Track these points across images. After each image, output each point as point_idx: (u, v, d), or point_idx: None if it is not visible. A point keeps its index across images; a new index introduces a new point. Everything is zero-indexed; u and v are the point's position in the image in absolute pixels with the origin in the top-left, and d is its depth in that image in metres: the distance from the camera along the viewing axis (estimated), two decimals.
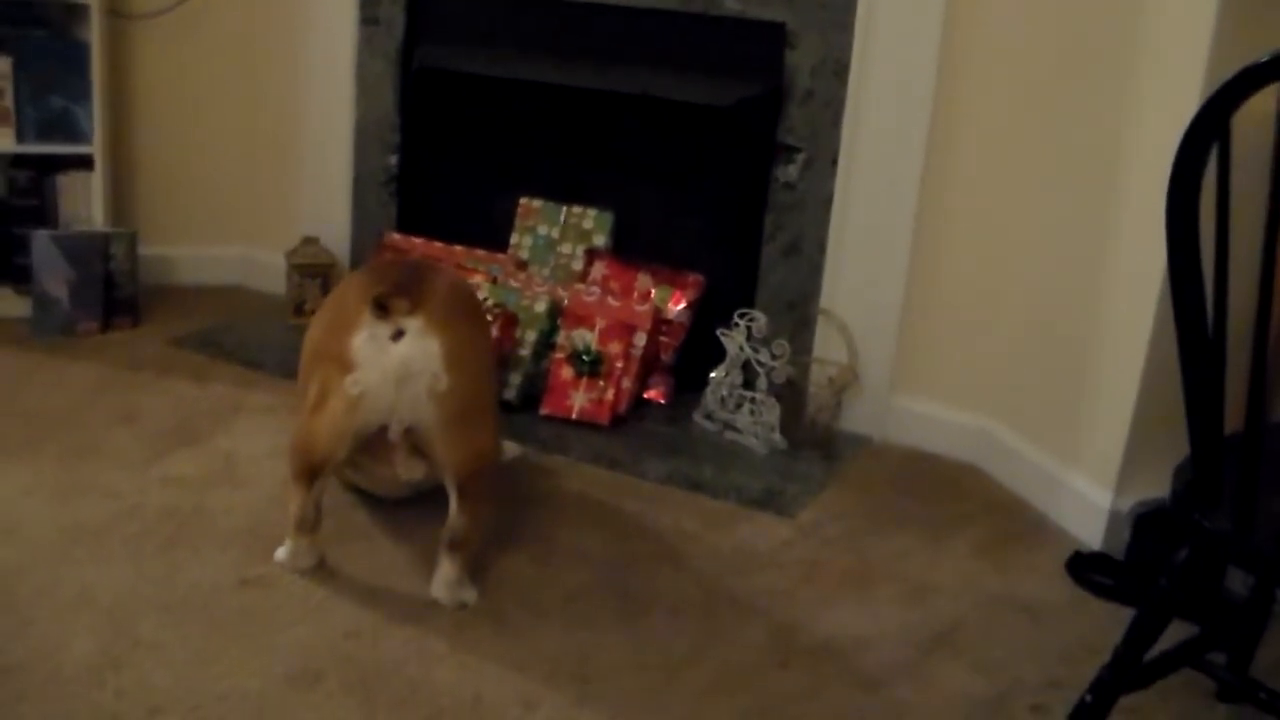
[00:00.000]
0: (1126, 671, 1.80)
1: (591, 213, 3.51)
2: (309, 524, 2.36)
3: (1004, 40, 2.91)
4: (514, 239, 3.58)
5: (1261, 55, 1.42)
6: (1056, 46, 2.83)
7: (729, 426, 3.18)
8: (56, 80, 3.53)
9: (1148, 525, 2.58)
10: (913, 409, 3.21)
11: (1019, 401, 3.02)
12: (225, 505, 2.62)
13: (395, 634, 2.21)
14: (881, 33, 3.01)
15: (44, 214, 3.60)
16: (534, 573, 2.47)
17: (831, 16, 3.05)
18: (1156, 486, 2.63)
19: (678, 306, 3.33)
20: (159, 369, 3.33)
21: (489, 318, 3.14)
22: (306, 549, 2.39)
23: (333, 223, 3.87)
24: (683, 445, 3.10)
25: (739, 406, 3.17)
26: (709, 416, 3.22)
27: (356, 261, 3.83)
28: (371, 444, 2.30)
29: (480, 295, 3.27)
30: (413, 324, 2.22)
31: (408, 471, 2.35)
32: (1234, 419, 1.67)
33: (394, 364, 2.21)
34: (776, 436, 3.11)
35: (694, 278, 3.36)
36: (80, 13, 3.52)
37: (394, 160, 3.78)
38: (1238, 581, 2.46)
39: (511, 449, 2.95)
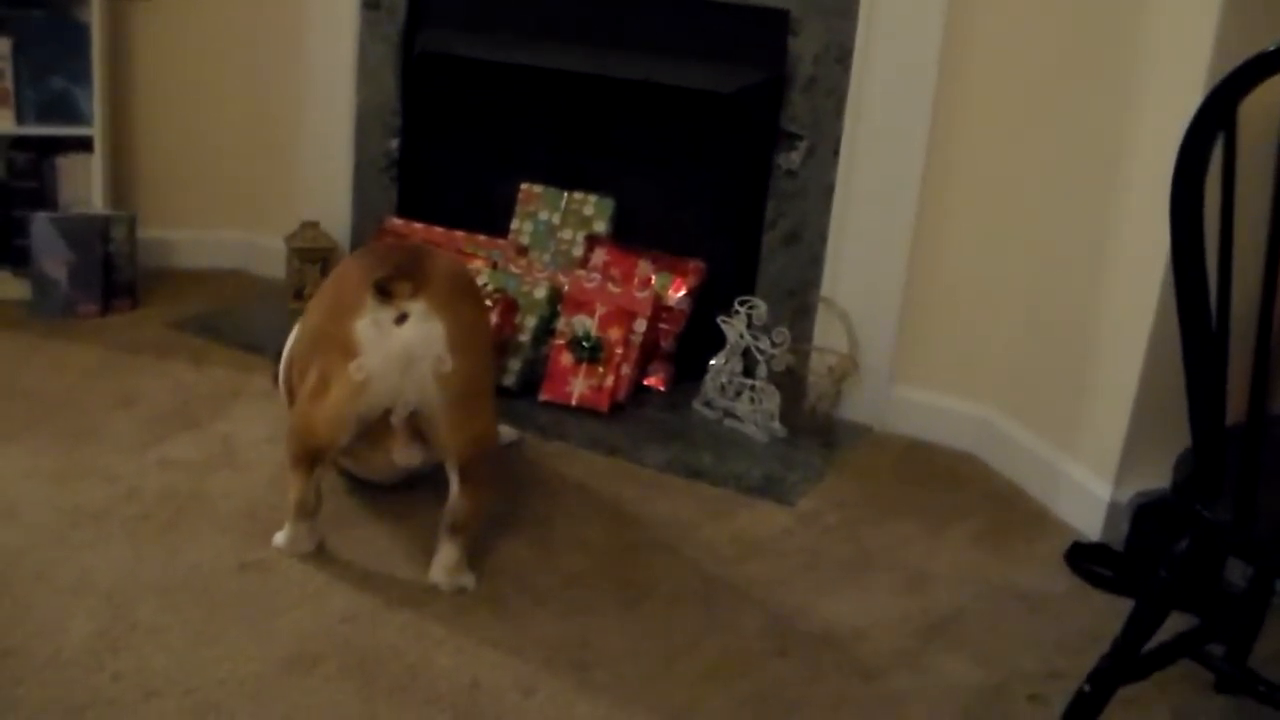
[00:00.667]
0: (1125, 662, 1.80)
1: (592, 199, 3.50)
2: (309, 510, 2.36)
3: (1007, 30, 2.91)
4: (515, 224, 3.58)
5: (1269, 44, 1.42)
6: (1060, 35, 2.83)
7: (729, 414, 3.18)
8: (56, 62, 3.52)
9: (1147, 516, 2.58)
10: (913, 398, 3.21)
11: (1019, 391, 3.01)
12: (224, 489, 2.62)
13: (393, 619, 2.21)
14: (885, 21, 3.00)
15: (43, 196, 3.59)
16: (532, 558, 2.47)
17: (835, 4, 3.04)
18: (1156, 478, 2.63)
19: (678, 293, 3.32)
20: (158, 352, 3.32)
21: (489, 302, 3.15)
22: (306, 534, 2.38)
23: (333, 207, 3.86)
24: (682, 432, 3.10)
25: (739, 394, 3.17)
26: (708, 404, 3.22)
27: (357, 246, 3.82)
28: (368, 429, 2.30)
29: (481, 280, 3.27)
30: (416, 307, 2.21)
31: (406, 457, 2.35)
32: (1235, 410, 1.67)
33: (398, 348, 2.20)
34: (776, 424, 3.11)
35: (695, 265, 3.35)
36: None
37: (395, 145, 3.77)
38: (1236, 573, 2.47)
39: (508, 433, 2.95)
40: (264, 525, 2.46)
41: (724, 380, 3.19)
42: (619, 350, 3.17)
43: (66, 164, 3.60)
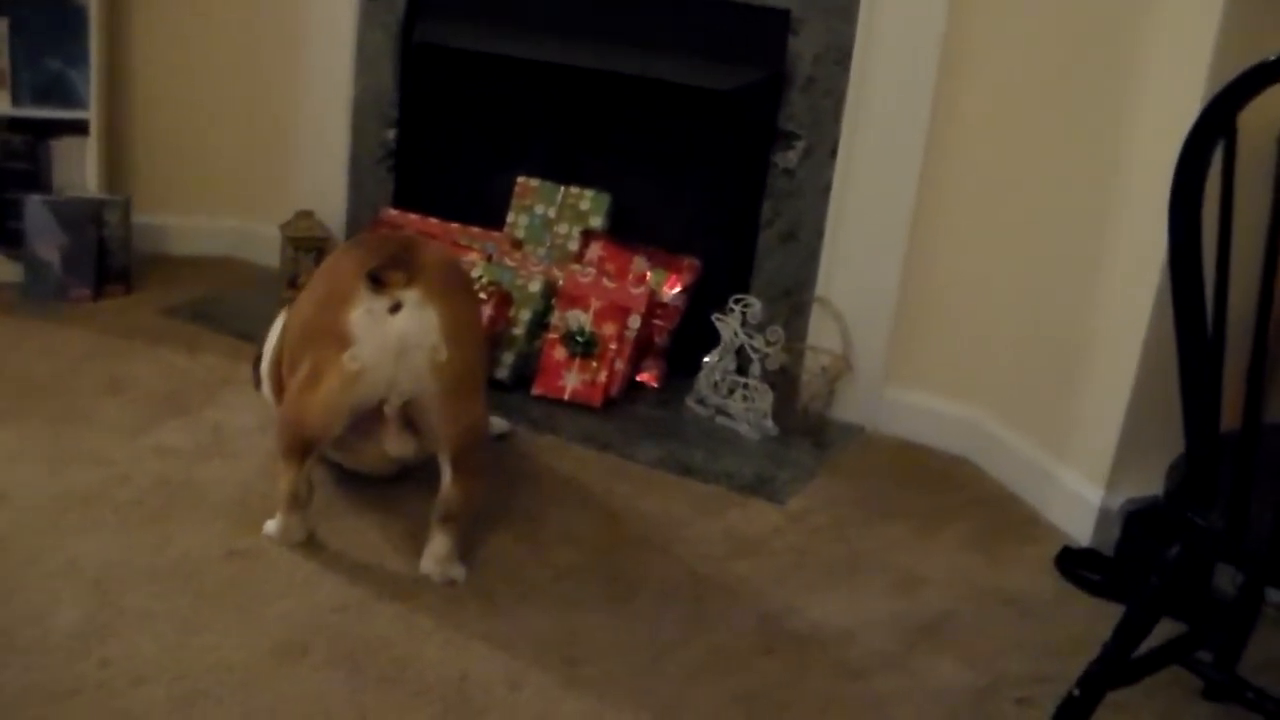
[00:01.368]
0: (1114, 667, 1.80)
1: (589, 194, 3.50)
2: (301, 501, 2.35)
3: (1006, 32, 2.90)
4: (510, 218, 3.57)
5: (1269, 54, 1.42)
6: (1059, 39, 2.83)
7: (721, 412, 3.17)
8: (53, 44, 3.51)
9: (1138, 522, 2.58)
10: (905, 400, 3.20)
11: (1012, 395, 3.02)
12: (214, 476, 2.62)
13: (383, 609, 2.21)
14: (885, 22, 3.00)
15: (38, 179, 3.57)
16: (523, 552, 2.47)
17: (835, 4, 3.04)
18: (1147, 484, 2.63)
19: (673, 290, 3.32)
20: (150, 338, 3.31)
21: (482, 295, 3.15)
22: (297, 524, 2.38)
23: (329, 196, 3.85)
24: (674, 429, 3.10)
25: (731, 392, 3.17)
26: (701, 401, 3.21)
27: (352, 236, 3.81)
28: (359, 420, 2.29)
29: (475, 273, 3.27)
30: (410, 296, 2.21)
31: (398, 447, 2.34)
32: (1230, 417, 1.67)
33: (393, 337, 2.20)
34: (768, 423, 3.11)
35: (690, 262, 3.35)
36: None
37: (392, 135, 3.76)
38: (1225, 580, 2.47)
39: (499, 425, 2.95)
40: (254, 513, 2.46)
41: (717, 378, 3.19)
42: (613, 346, 3.17)
43: (61, 147, 3.59)
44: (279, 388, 2.48)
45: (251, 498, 2.53)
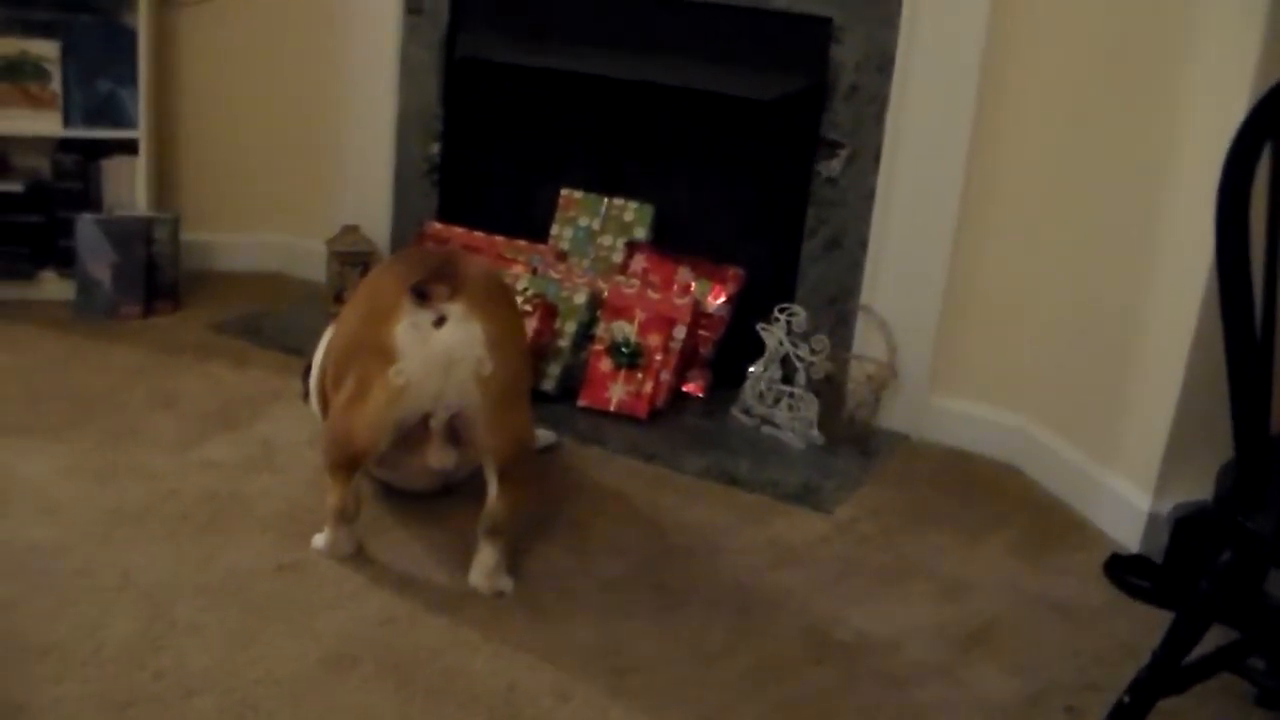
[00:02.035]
0: (1165, 674, 1.78)
1: (632, 205, 3.51)
2: (349, 515, 2.37)
3: (1049, 37, 2.89)
4: (554, 230, 3.59)
5: None
6: (1103, 43, 2.81)
7: (767, 421, 3.17)
8: (103, 66, 3.56)
9: (1187, 528, 2.56)
10: (951, 408, 3.19)
11: (1058, 402, 3.00)
12: (263, 490, 2.64)
13: (431, 622, 2.22)
14: (927, 29, 2.99)
15: (88, 198, 3.62)
16: (570, 563, 2.47)
17: (878, 12, 3.04)
18: (1196, 490, 2.61)
19: (717, 300, 3.32)
20: (199, 354, 3.35)
21: (528, 307, 3.16)
22: (346, 538, 2.39)
23: (374, 211, 3.88)
24: (720, 439, 3.10)
25: (777, 401, 3.16)
26: (747, 411, 3.21)
27: (397, 250, 3.84)
28: (403, 435, 2.30)
29: (520, 285, 3.28)
30: (454, 309, 2.22)
31: (440, 460, 2.35)
32: (1279, 421, 1.66)
33: (438, 351, 2.21)
34: (814, 432, 3.10)
35: (734, 271, 3.35)
36: None
37: (436, 149, 3.79)
38: (1277, 585, 2.44)
39: (546, 436, 2.95)
40: (302, 527, 2.48)
41: (763, 387, 3.18)
42: (658, 356, 3.17)
43: (111, 166, 3.63)
44: (324, 402, 2.49)
45: (300, 511, 2.55)
